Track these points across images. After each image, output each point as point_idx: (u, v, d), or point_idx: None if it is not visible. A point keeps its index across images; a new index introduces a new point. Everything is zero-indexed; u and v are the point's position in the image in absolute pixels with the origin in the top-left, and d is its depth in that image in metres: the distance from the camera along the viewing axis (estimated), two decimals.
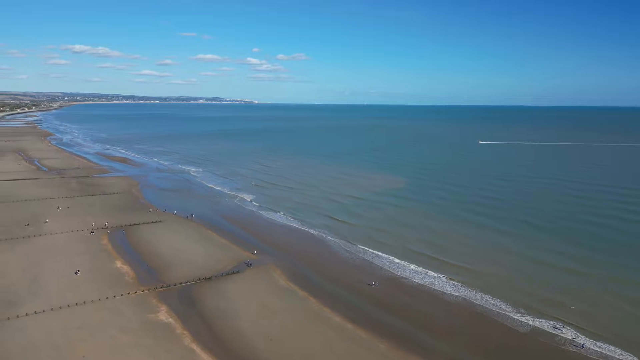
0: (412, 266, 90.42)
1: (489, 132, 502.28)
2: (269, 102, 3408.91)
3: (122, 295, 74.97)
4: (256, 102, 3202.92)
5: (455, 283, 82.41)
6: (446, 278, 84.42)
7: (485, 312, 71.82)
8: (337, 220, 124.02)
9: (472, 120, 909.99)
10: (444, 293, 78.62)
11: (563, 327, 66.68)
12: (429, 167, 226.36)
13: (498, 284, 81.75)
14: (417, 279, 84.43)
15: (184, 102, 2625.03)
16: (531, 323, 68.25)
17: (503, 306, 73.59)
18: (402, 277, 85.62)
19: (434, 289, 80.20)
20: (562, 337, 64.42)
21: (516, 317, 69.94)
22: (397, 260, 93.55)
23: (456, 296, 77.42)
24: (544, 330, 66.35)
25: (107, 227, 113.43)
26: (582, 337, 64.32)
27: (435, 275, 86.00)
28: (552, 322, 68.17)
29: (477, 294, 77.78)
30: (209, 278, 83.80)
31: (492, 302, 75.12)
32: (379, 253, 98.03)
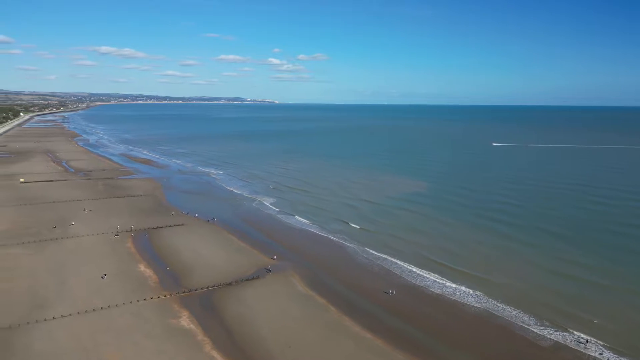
0: (431, 275, 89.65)
1: (502, 134, 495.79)
2: (289, 103, 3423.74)
3: (145, 299, 76.71)
4: (277, 102, 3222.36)
5: (475, 293, 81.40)
6: (466, 288, 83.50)
7: (506, 325, 70.87)
8: (355, 225, 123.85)
9: (487, 120, 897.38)
10: (464, 304, 77.80)
11: (587, 341, 65.30)
12: (444, 170, 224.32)
13: (518, 295, 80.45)
14: (437, 289, 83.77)
15: (206, 102, 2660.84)
16: (553, 337, 66.99)
17: (525, 318, 72.51)
18: (421, 286, 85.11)
19: (454, 299, 79.46)
20: (586, 353, 63.09)
21: (538, 330, 68.78)
22: (415, 269, 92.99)
23: (476, 307, 76.55)
24: (566, 345, 65.09)
25: (131, 230, 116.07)
26: (608, 352, 62.89)
27: (455, 285, 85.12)
28: (575, 336, 66.85)
29: (497, 305, 76.77)
30: (230, 283, 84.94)
31: (513, 314, 74.06)
32: (397, 261, 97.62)
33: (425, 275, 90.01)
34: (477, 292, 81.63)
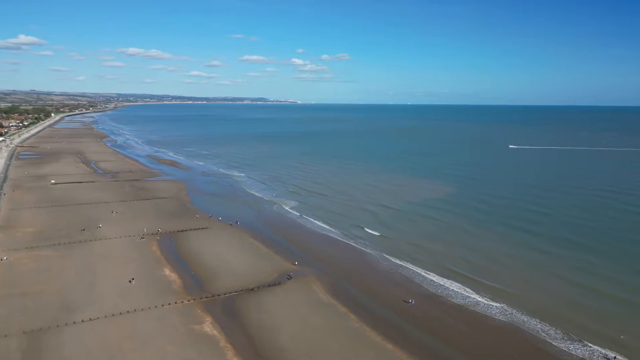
0: (453, 285, 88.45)
1: (518, 135, 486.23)
2: (312, 103, 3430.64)
3: (169, 304, 78.36)
4: (299, 102, 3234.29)
5: (499, 305, 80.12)
6: (489, 299, 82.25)
7: (530, 339, 69.54)
8: (375, 232, 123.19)
9: (505, 121, 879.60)
10: (487, 316, 76.70)
11: (614, 358, 63.59)
12: (464, 174, 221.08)
13: (543, 308, 78.65)
14: (459, 299, 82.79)
15: (230, 102, 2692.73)
16: (579, 353, 65.39)
17: (550, 332, 71.03)
18: (442, 296, 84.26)
19: (476, 311, 78.34)
20: None
21: (563, 346, 67.27)
22: (436, 278, 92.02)
23: (500, 320, 75.28)
24: None
25: (156, 233, 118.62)
26: None
27: (477, 296, 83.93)
28: (601, 353, 65.20)
29: (521, 318, 75.38)
30: (252, 289, 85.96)
31: (538, 327, 72.63)
32: (417, 269, 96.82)
33: (446, 285, 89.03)
34: (501, 304, 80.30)
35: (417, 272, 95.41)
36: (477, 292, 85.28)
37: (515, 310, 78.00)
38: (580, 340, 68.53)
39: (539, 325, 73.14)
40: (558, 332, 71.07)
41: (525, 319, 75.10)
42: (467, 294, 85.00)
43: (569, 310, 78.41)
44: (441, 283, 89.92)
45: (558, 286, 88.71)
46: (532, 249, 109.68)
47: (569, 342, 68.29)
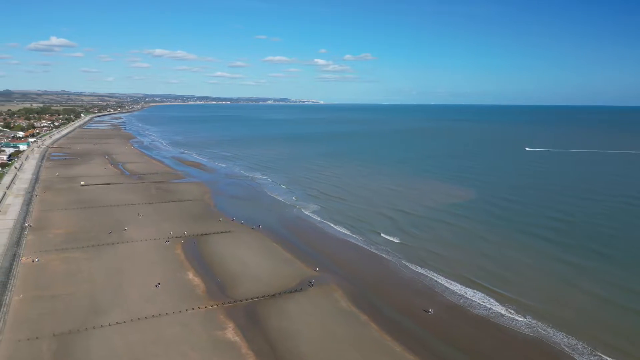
0: (475, 296, 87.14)
1: (533, 137, 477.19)
2: (334, 103, 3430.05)
3: (193, 309, 79.75)
4: (322, 102, 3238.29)
5: (523, 318, 78.62)
6: (514, 312, 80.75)
7: (558, 354, 68.06)
8: (395, 238, 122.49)
9: (521, 122, 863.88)
10: (512, 329, 75.37)
11: None
12: (484, 178, 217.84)
13: (568, 323, 76.64)
14: (482, 310, 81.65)
15: (253, 102, 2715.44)
16: None
17: (579, 346, 69.45)
18: (464, 307, 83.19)
19: (501, 323, 77.08)
20: None
21: None
22: (457, 288, 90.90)
23: (526, 334, 73.87)
24: None
25: (180, 237, 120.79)
26: None
27: (501, 308, 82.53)
28: None
29: (548, 331, 73.90)
30: (273, 295, 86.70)
31: (565, 341, 71.12)
32: (438, 278, 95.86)
33: (468, 295, 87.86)
34: (526, 317, 78.81)
35: (437, 281, 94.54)
36: (500, 304, 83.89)
37: (540, 323, 76.45)
38: (609, 356, 66.70)
39: (565, 339, 71.57)
40: (586, 347, 69.37)
41: (552, 333, 73.53)
42: (489, 305, 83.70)
43: (595, 326, 76.29)
44: (462, 293, 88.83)
45: (583, 300, 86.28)
46: (555, 260, 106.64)
47: (595, 358, 66.58)
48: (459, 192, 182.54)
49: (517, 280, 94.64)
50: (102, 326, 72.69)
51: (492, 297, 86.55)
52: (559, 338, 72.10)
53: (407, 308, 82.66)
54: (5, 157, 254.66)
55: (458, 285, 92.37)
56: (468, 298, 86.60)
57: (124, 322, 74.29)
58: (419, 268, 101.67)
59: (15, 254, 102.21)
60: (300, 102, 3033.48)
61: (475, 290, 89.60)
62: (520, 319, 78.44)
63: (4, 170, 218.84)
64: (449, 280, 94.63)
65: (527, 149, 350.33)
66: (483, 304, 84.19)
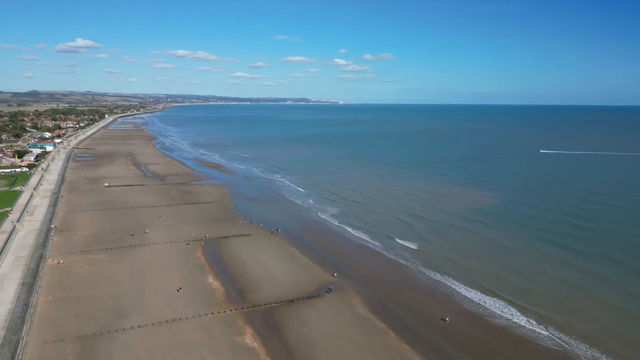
0: (494, 306, 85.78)
1: (548, 138, 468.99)
2: (353, 103, 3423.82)
3: (212, 313, 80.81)
4: (341, 102, 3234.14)
5: (545, 329, 77.21)
6: (535, 323, 79.29)
7: None
8: (413, 243, 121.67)
9: (537, 123, 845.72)
10: (533, 340, 74.04)
11: None
12: (498, 181, 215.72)
13: (589, 337, 74.93)
14: (502, 321, 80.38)
15: (273, 102, 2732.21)
16: None
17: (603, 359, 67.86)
18: (484, 316, 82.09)
19: (522, 334, 75.84)
20: None
21: None
22: (476, 297, 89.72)
23: (548, 346, 72.46)
24: None
25: (201, 239, 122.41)
26: None
27: (521, 318, 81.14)
28: None
29: (571, 343, 72.41)
30: (292, 300, 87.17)
31: (588, 354, 69.60)
32: (456, 286, 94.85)
33: (486, 304, 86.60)
34: (547, 328, 77.39)
35: (455, 289, 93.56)
36: (520, 314, 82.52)
37: (563, 335, 74.97)
38: None
39: (589, 352, 70.04)
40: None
41: (575, 345, 72.01)
42: (508, 315, 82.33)
43: (619, 339, 74.28)
44: (481, 302, 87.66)
45: (605, 312, 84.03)
46: (576, 269, 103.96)
47: None
48: (476, 197, 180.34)
49: (538, 290, 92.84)
50: (124, 329, 74.27)
51: (512, 307, 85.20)
52: (582, 351, 70.60)
53: (426, 316, 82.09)
54: (32, 158, 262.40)
55: (476, 293, 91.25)
56: (487, 307, 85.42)
57: (145, 325, 75.75)
58: (437, 275, 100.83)
59: (41, 256, 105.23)
60: (319, 103, 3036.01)
61: (494, 299, 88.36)
62: (542, 330, 76.99)
63: (32, 171, 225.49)
64: (467, 288, 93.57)
65: (541, 151, 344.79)
66: (502, 314, 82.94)
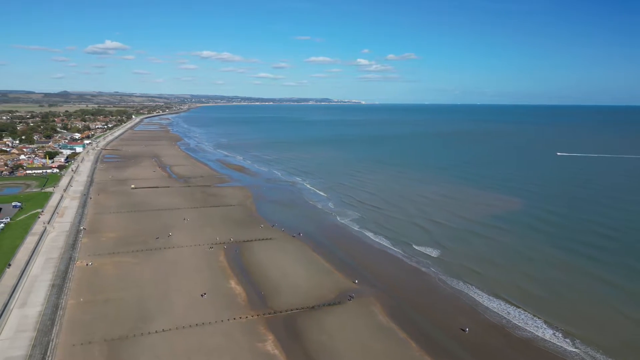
0: (517, 318, 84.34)
1: (565, 140, 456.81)
2: (376, 103, 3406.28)
3: (234, 319, 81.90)
4: (363, 102, 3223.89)
5: (570, 345, 75.42)
6: (560, 336, 77.53)
7: None
8: (434, 251, 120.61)
9: (554, 123, 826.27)
10: (557, 355, 72.45)
11: None
12: (517, 185, 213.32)
13: (615, 353, 72.88)
14: (525, 333, 78.95)
15: (295, 103, 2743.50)
16: None
17: None
18: (507, 328, 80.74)
19: (546, 348, 74.34)
20: None
21: None
22: (497, 308, 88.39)
23: None
24: None
25: (224, 243, 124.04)
26: None
27: (545, 330, 79.58)
28: None
29: (597, 358, 70.49)
30: (312, 307, 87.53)
31: None
32: (478, 296, 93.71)
33: (509, 316, 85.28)
34: (572, 342, 75.63)
35: (477, 299, 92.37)
36: (544, 327, 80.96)
37: (589, 350, 73.12)
38: None
39: None
40: None
41: (600, 357, 70.11)
42: (532, 328, 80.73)
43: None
44: (503, 313, 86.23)
45: (632, 327, 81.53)
46: (601, 281, 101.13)
47: None
48: (495, 201, 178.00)
49: (559, 303, 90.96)
50: (149, 333, 75.99)
51: (536, 319, 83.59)
52: None
53: (447, 326, 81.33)
54: (63, 159, 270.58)
55: (499, 303, 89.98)
56: (509, 320, 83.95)
57: (170, 329, 77.33)
58: (458, 284, 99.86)
59: (70, 258, 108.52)
60: (342, 103, 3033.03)
61: (516, 311, 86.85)
62: (568, 346, 75.13)
63: (62, 172, 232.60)
64: (490, 298, 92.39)
65: (558, 153, 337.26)
66: (527, 326, 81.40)
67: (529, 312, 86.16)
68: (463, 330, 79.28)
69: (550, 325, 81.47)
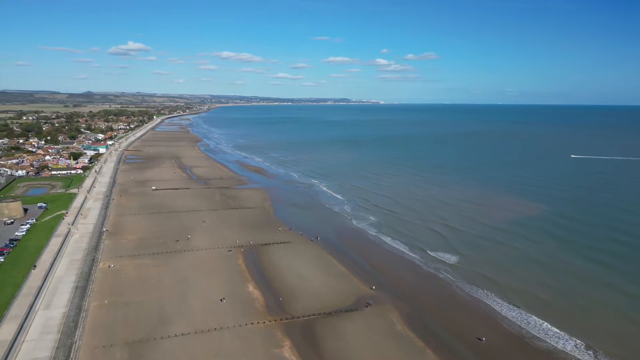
0: (536, 329, 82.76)
1: (579, 143, 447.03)
2: (394, 103, 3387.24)
3: (252, 324, 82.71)
4: (382, 102, 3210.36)
5: (594, 354, 73.85)
6: (582, 350, 75.96)
7: None
8: (452, 257, 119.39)
9: (570, 125, 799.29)
10: None
11: None
12: (534, 189, 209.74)
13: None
14: (546, 345, 77.59)
15: (314, 103, 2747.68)
16: None
17: None
18: (526, 338, 79.46)
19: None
20: None
21: None
22: (516, 318, 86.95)
23: None
24: None
25: (242, 246, 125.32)
26: None
27: (566, 343, 78.06)
28: None
29: None
30: (329, 313, 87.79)
31: None
32: (496, 305, 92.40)
33: (529, 326, 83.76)
34: (598, 354, 73.91)
35: (495, 308, 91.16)
36: (566, 338, 79.43)
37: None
38: None
39: None
40: None
41: None
42: (552, 340, 79.21)
43: None
44: (522, 324, 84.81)
45: None
46: (622, 293, 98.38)
47: None
48: (512, 206, 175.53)
49: (582, 314, 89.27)
50: (168, 336, 77.38)
51: (556, 330, 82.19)
52: None
53: (465, 335, 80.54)
54: (86, 160, 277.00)
55: (517, 313, 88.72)
56: (529, 330, 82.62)
57: (189, 333, 78.59)
58: (477, 291, 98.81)
59: (93, 259, 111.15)
60: (360, 103, 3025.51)
61: (536, 322, 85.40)
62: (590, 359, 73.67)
63: (86, 173, 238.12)
64: (508, 306, 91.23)
65: (572, 156, 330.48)
66: (546, 337, 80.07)
67: (547, 323, 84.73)
68: (480, 339, 78.49)
69: (571, 336, 79.98)
